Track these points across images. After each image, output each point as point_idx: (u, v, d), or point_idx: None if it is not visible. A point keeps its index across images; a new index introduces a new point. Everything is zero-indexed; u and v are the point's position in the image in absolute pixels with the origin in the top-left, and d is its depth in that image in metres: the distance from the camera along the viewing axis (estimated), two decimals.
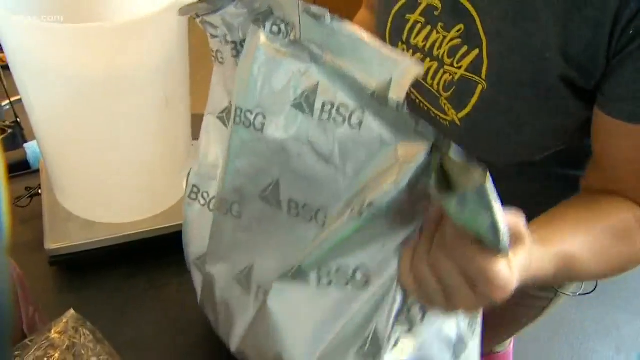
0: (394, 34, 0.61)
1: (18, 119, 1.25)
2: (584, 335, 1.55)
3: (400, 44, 0.61)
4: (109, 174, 0.67)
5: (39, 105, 0.61)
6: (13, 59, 0.58)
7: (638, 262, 0.52)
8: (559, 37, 0.47)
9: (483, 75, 0.53)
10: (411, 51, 0.60)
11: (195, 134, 0.58)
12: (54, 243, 0.68)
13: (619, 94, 0.47)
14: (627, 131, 0.48)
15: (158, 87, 0.61)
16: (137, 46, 0.56)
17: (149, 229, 0.70)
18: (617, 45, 0.45)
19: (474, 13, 0.53)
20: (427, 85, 0.59)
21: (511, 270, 0.35)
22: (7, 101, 1.59)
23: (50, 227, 0.70)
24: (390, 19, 0.61)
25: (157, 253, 0.73)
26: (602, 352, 1.52)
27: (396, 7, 0.61)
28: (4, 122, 1.30)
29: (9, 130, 1.19)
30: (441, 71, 0.57)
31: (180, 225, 0.61)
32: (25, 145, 0.83)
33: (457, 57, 0.55)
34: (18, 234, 0.75)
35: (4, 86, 1.49)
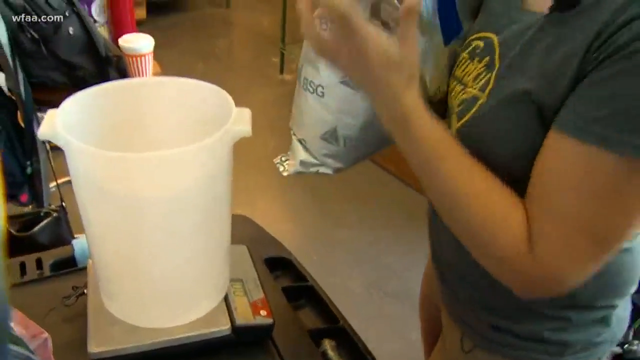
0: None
1: (63, 203, 1.31)
2: None
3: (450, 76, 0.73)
4: (155, 282, 0.69)
5: (95, 220, 0.64)
6: (76, 178, 0.62)
7: (491, 232, 0.57)
8: (543, 66, 0.56)
9: (486, 92, 0.63)
10: (454, 81, 0.71)
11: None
12: (97, 347, 0.70)
13: (566, 105, 0.54)
14: (554, 139, 0.54)
15: (203, 204, 0.65)
16: (187, 171, 0.60)
17: (189, 334, 0.72)
18: (583, 72, 0.52)
19: (496, 46, 0.64)
20: (450, 107, 0.71)
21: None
22: (54, 183, 1.66)
23: (95, 330, 0.72)
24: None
25: (197, 357, 0.74)
26: None
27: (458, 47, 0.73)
28: (50, 205, 1.36)
29: (54, 214, 1.24)
30: (462, 92, 0.67)
31: (219, 330, 0.64)
32: (73, 242, 0.87)
33: (477, 81, 0.65)
34: (61, 332, 0.76)
35: (52, 168, 1.57)
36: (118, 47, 1.53)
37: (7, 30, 1.34)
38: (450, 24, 0.72)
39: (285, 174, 0.82)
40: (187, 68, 3.34)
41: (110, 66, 1.50)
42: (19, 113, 1.47)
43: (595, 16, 0.52)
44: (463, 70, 0.69)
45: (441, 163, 0.58)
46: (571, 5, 0.54)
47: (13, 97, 1.46)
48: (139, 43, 1.50)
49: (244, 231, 0.93)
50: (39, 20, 1.37)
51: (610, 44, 0.50)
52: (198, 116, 0.68)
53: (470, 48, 0.69)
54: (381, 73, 0.56)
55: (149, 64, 1.54)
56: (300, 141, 0.80)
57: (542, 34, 0.58)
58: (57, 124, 0.59)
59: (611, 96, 0.50)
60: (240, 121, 0.64)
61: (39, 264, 0.89)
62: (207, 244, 0.70)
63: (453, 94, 0.70)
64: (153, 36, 3.52)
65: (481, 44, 0.68)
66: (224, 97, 0.65)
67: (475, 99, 0.64)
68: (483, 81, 0.64)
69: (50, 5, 1.37)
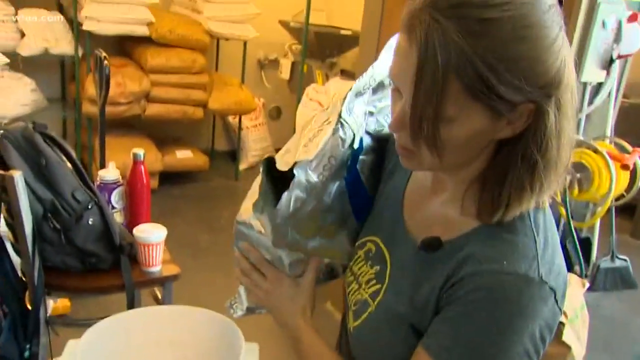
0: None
1: None
2: None
3: (349, 267, 0.92)
4: None
5: None
6: None
7: None
8: (413, 292, 0.75)
9: (376, 303, 0.80)
10: (350, 276, 0.90)
11: None
12: None
13: (429, 328, 0.72)
14: (418, 353, 0.72)
15: None
16: None
17: None
18: (439, 306, 0.72)
19: (388, 261, 0.82)
20: (347, 299, 0.89)
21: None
22: None
23: None
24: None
25: None
26: None
27: (357, 242, 0.92)
28: None
29: None
30: (357, 292, 0.85)
31: None
32: None
33: (370, 286, 0.83)
34: None
35: (50, 351, 1.57)
36: (131, 233, 1.62)
37: (33, 221, 1.44)
38: (362, 204, 0.90)
39: (235, 316, 0.93)
40: (193, 239, 3.44)
41: (122, 253, 1.58)
42: (27, 296, 1.51)
43: (448, 262, 0.72)
44: (359, 269, 0.88)
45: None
46: (434, 248, 0.74)
47: (24, 280, 1.51)
48: (151, 233, 1.59)
49: None
50: (64, 213, 1.47)
51: (453, 291, 0.70)
52: (208, 349, 0.73)
53: (365, 248, 0.88)
54: (283, 304, 0.88)
55: (160, 252, 1.62)
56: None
57: (415, 267, 0.76)
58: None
59: (455, 333, 0.69)
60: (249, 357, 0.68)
61: None
62: None
63: (350, 289, 0.88)
64: (163, 205, 3.68)
65: (373, 247, 0.86)
66: (235, 332, 0.71)
67: (366, 304, 0.82)
68: (374, 289, 0.82)
69: (75, 199, 1.49)
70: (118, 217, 1.72)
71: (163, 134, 4.18)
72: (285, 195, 0.76)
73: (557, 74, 0.66)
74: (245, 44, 4.24)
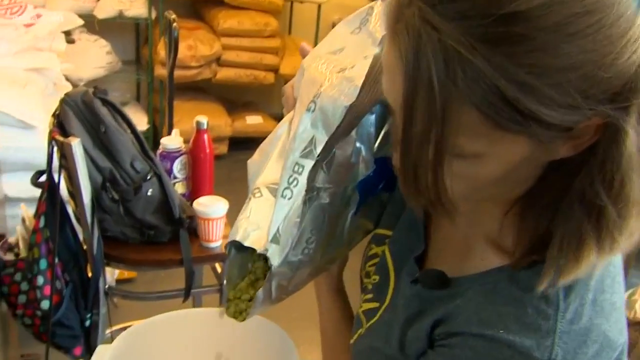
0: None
1: None
2: None
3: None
4: None
5: None
6: None
7: None
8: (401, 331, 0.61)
9: (366, 326, 0.67)
10: (363, 271, 0.76)
11: None
12: None
13: None
14: None
15: None
16: None
17: None
18: (429, 344, 0.58)
19: (391, 281, 0.67)
20: (360, 293, 0.75)
21: None
22: (109, 330, 1.63)
23: None
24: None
25: None
26: None
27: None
28: None
29: None
30: (368, 293, 0.71)
31: None
32: None
33: (366, 297, 0.70)
34: None
35: (109, 319, 1.55)
36: (192, 206, 1.55)
37: (92, 191, 1.39)
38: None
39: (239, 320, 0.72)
40: None
41: (181, 227, 1.51)
42: (88, 267, 1.49)
43: (448, 303, 0.57)
44: (370, 266, 0.73)
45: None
46: (435, 286, 0.59)
47: (85, 249, 1.49)
48: (213, 207, 1.51)
49: None
50: (122, 182, 1.42)
51: (443, 336, 0.56)
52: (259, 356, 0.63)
53: (379, 247, 0.72)
54: None
55: (221, 227, 1.54)
56: None
57: (411, 303, 0.61)
58: None
59: None
60: None
61: None
62: None
63: (364, 285, 0.74)
64: (231, 171, 3.67)
65: (379, 252, 0.71)
66: (287, 344, 0.60)
67: (359, 322, 0.70)
68: (369, 307, 0.69)
69: (134, 168, 1.43)
70: (180, 188, 1.65)
71: (233, 98, 4.14)
72: (260, 293, 0.59)
73: (637, 74, 0.44)
74: (319, 6, 4.09)
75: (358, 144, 0.61)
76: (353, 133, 0.60)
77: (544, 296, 0.51)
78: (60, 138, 1.34)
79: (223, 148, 3.84)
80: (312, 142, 0.58)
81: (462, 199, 0.50)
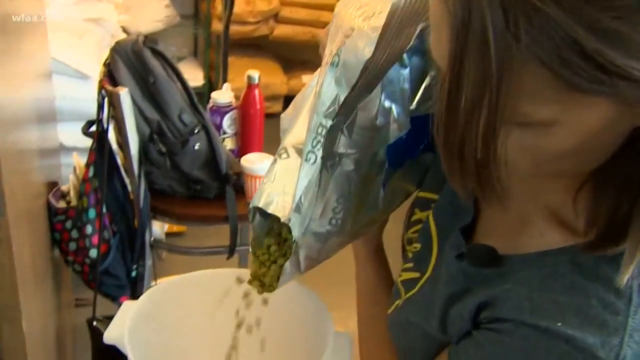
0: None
1: None
2: None
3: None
4: None
5: None
6: None
7: None
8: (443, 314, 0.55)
9: (404, 297, 0.62)
10: (406, 237, 0.70)
11: None
12: None
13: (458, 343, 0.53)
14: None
15: None
16: None
17: None
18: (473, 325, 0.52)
19: (434, 253, 0.61)
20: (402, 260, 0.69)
21: None
22: (153, 282, 1.64)
23: None
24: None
25: None
26: None
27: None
28: None
29: None
30: (407, 262, 0.65)
31: None
32: None
33: (406, 266, 0.64)
34: None
35: (154, 272, 1.56)
36: (240, 163, 1.52)
37: (140, 142, 1.38)
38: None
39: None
40: None
41: (228, 183, 1.49)
42: (135, 219, 1.49)
43: (494, 285, 0.50)
44: (413, 233, 0.67)
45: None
46: (484, 263, 0.52)
47: (133, 201, 1.49)
48: (260, 164, 1.47)
49: None
50: (169, 135, 1.39)
51: (490, 320, 0.49)
52: (291, 320, 0.59)
53: (423, 213, 0.66)
54: None
55: None
56: None
57: (455, 280, 0.55)
58: (125, 331, 0.52)
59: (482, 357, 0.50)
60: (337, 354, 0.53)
61: None
62: None
63: (405, 253, 0.69)
64: None
65: (424, 219, 0.64)
66: (324, 313, 0.55)
67: (397, 293, 0.65)
68: (409, 277, 0.63)
69: (182, 121, 1.40)
70: (229, 144, 1.62)
71: (290, 56, 4.07)
72: (287, 265, 0.54)
73: None
74: None
75: (387, 103, 0.54)
76: (377, 91, 0.52)
77: (614, 287, 0.44)
78: (109, 87, 1.32)
79: (277, 107, 3.79)
80: (335, 100, 0.51)
81: (523, 177, 0.44)
